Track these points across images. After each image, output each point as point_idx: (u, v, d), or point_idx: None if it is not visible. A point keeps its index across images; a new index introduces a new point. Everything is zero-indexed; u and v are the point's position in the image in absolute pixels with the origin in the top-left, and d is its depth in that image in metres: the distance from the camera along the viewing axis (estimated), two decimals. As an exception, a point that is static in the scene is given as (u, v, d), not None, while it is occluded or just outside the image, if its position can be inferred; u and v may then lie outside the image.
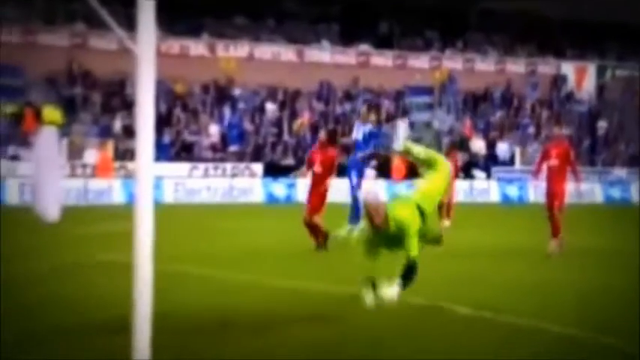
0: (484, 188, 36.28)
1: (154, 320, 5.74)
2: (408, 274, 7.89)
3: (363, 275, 7.99)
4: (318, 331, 8.38)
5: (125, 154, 31.92)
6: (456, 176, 22.17)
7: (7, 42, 34.49)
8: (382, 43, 43.50)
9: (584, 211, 26.27)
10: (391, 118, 40.13)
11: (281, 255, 14.75)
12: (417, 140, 9.05)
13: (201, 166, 33.88)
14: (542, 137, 39.56)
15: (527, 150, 39.54)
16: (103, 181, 30.55)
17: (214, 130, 36.13)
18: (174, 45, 38.16)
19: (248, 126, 37.20)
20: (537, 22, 45.31)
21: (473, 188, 35.30)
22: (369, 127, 18.10)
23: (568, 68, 46.65)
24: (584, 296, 10.86)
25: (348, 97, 40.57)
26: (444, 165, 8.79)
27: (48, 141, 21.30)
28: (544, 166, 15.85)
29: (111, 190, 30.10)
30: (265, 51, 40.72)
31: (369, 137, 17.88)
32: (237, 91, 38.78)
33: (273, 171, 33.26)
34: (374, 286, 7.83)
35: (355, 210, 17.54)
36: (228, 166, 34.23)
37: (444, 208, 18.17)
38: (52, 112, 21.84)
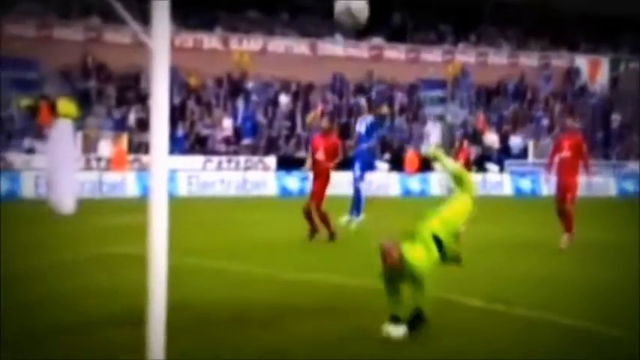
0: (497, 181, 36.26)
1: (168, 313, 5.77)
2: (414, 323, 7.74)
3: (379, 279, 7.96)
4: (332, 323, 8.41)
5: (139, 147, 32.00)
6: (469, 169, 22.16)
7: (23, 35, 34.75)
8: (395, 36, 43.42)
9: (598, 204, 26.22)
10: (404, 111, 40.20)
11: (294, 248, 14.76)
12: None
13: (215, 159, 33.93)
14: (555, 130, 39.43)
15: (540, 143, 39.40)
16: (118, 174, 30.63)
17: (228, 124, 36.17)
18: (188, 39, 38.25)
19: (261, 119, 37.25)
20: (550, 15, 45.12)
21: (486, 181, 35.23)
22: (370, 119, 18.43)
23: (581, 61, 46.49)
24: (595, 289, 10.88)
25: (361, 90, 40.55)
26: (471, 187, 8.65)
27: (63, 134, 21.41)
28: (556, 159, 15.70)
29: (125, 182, 30.16)
30: (279, 44, 40.77)
31: (371, 129, 18.10)
32: (250, 85, 38.83)
33: (287, 164, 33.16)
34: (394, 321, 7.76)
35: (356, 201, 17.68)
36: (242, 159, 34.28)
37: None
38: (66, 105, 21.94)
